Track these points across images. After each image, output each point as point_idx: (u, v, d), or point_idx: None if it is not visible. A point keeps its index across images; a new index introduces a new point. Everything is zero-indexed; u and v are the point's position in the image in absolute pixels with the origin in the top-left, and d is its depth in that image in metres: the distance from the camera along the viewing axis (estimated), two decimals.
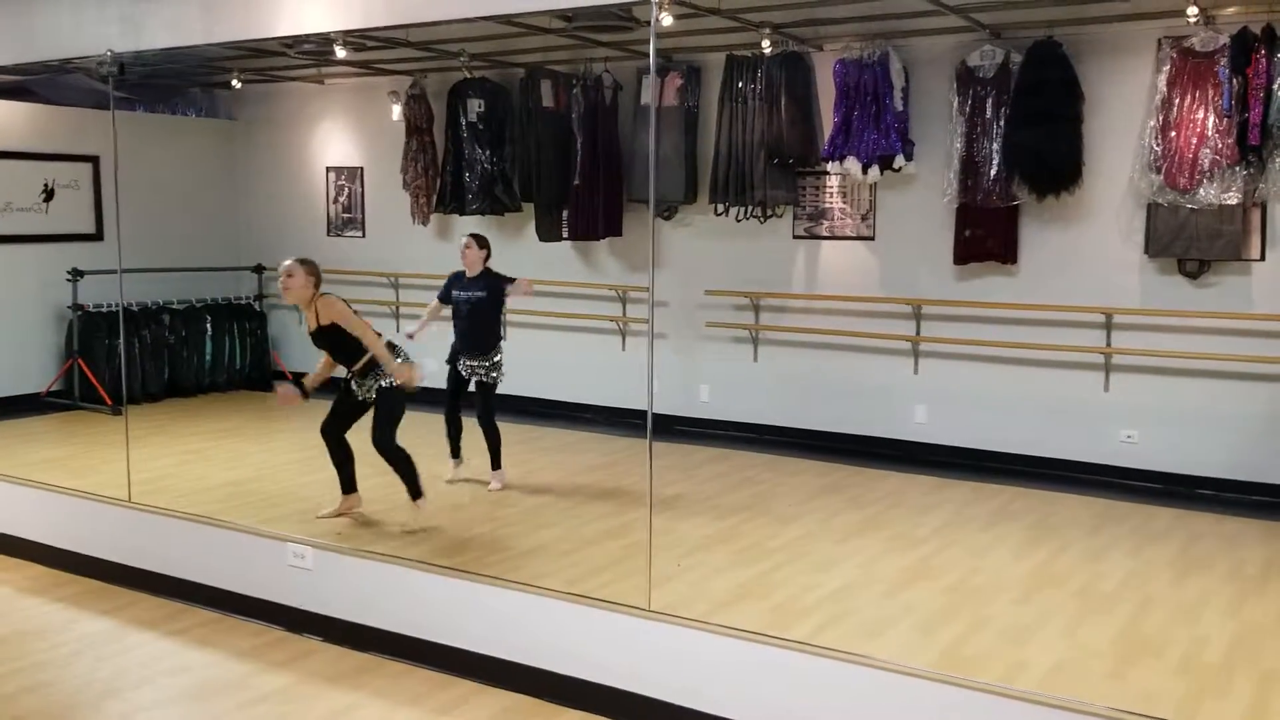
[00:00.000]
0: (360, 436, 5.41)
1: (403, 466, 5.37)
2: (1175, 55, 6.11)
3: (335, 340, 5.28)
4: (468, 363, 6.20)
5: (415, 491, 5.38)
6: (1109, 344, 6.55)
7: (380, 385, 5.31)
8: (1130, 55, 6.33)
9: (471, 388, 6.23)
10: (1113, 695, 3.59)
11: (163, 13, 5.36)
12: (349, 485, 5.55)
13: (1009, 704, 3.35)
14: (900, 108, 6.81)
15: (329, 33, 5.30)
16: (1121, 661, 3.94)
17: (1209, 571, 4.93)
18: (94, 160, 8.87)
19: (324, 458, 5.55)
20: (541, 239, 8.14)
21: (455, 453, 6.29)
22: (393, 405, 5.34)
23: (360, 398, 5.40)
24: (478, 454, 6.24)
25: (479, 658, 4.26)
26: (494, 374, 6.21)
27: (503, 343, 6.28)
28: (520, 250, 8.45)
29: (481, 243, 6.29)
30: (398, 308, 9.11)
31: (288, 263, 5.21)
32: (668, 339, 7.79)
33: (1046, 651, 3.99)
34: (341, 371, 5.43)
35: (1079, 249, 6.61)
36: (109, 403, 8.39)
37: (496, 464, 6.22)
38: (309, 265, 5.25)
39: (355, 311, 5.29)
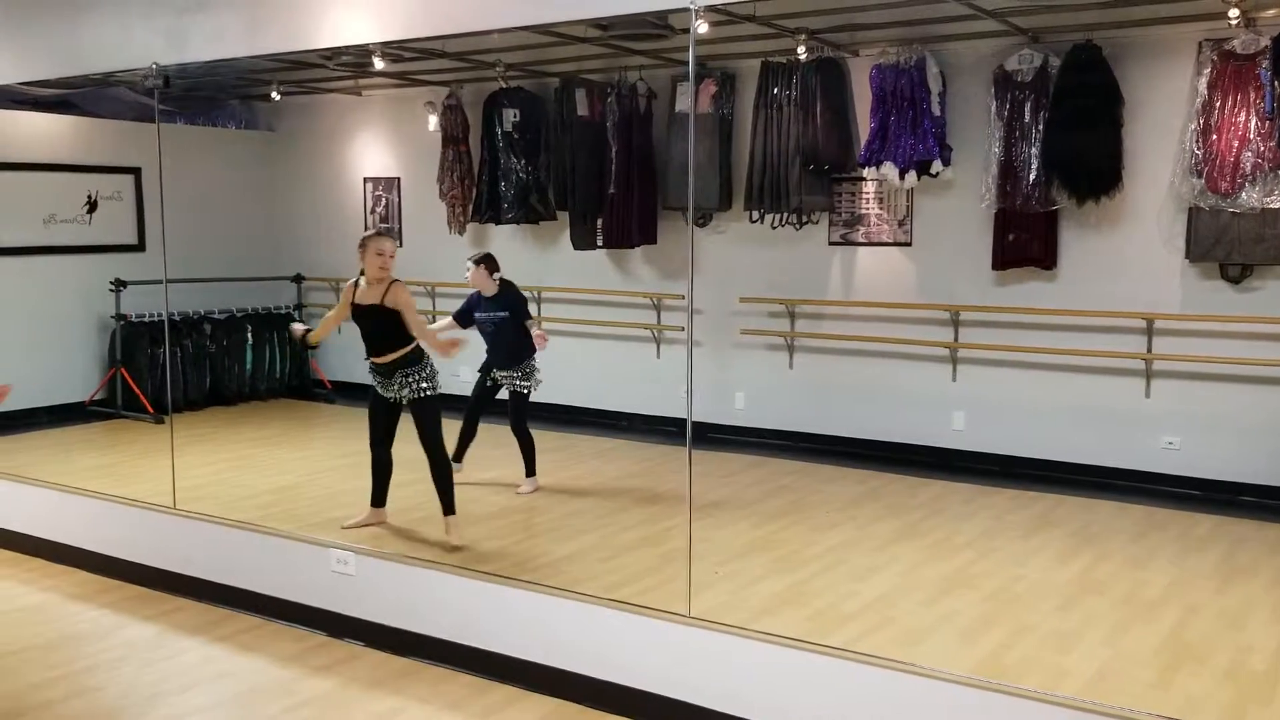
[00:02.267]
0: (402, 446, 5.44)
1: (447, 477, 5.35)
2: (1216, 58, 6.05)
3: (383, 324, 5.21)
4: (499, 373, 6.22)
5: (449, 507, 5.33)
6: (1150, 349, 6.49)
7: (417, 396, 5.28)
8: (1170, 58, 6.27)
9: (502, 394, 6.23)
10: (1157, 703, 3.56)
11: (206, 26, 5.44)
12: (380, 499, 5.57)
13: (1052, 710, 3.32)
14: (937, 113, 6.78)
15: (368, 44, 5.35)
16: (1165, 669, 3.90)
17: (1253, 579, 4.87)
18: (136, 172, 9.00)
19: (364, 465, 5.60)
20: (576, 247, 8.17)
21: (458, 457, 6.27)
22: (435, 411, 5.33)
23: (391, 399, 5.36)
24: (511, 461, 6.28)
25: (519, 663, 4.28)
26: (527, 382, 6.23)
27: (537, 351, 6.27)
28: (555, 258, 8.50)
29: (487, 263, 6.25)
30: (434, 316, 9.15)
31: (379, 237, 5.22)
32: (703, 346, 7.79)
33: (1089, 659, 3.96)
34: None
35: (1119, 254, 6.56)
36: (151, 411, 8.51)
37: (530, 471, 6.26)
38: (394, 245, 5.28)
39: None
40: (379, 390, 5.39)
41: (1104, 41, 6.31)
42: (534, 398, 6.31)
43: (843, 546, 5.32)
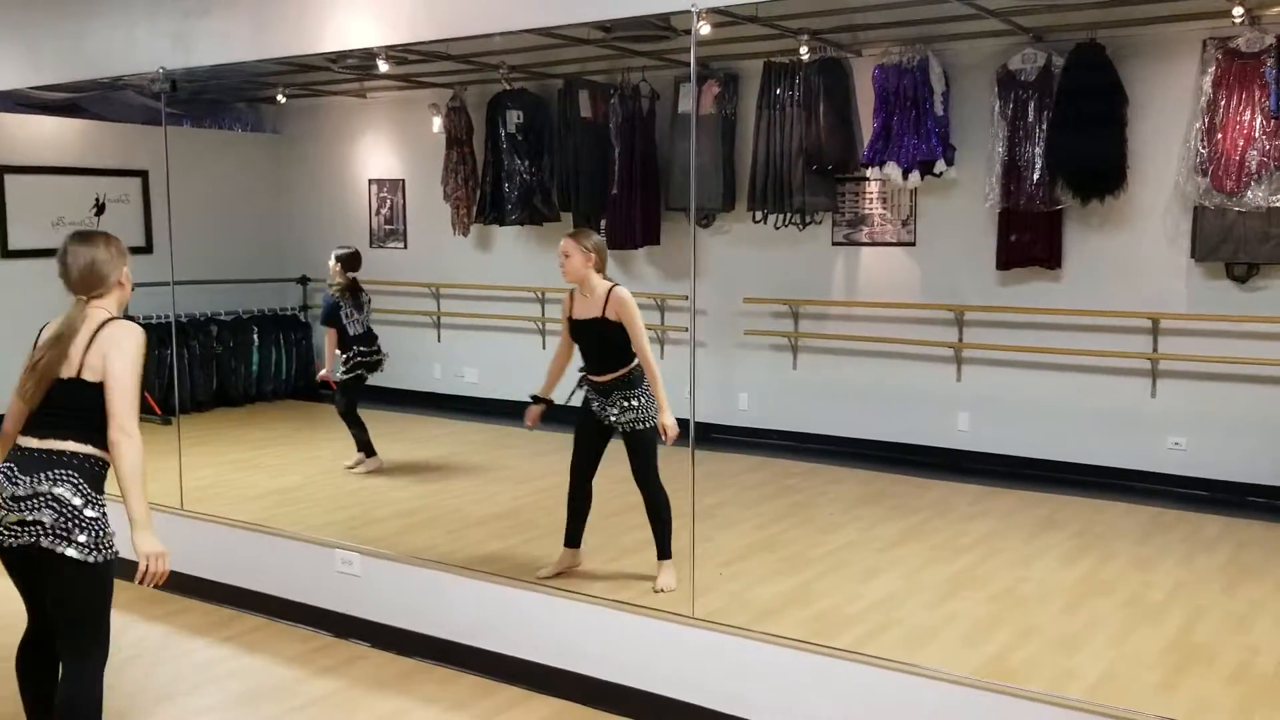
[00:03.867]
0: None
1: (664, 515, 4.71)
2: (1220, 56, 6.04)
3: (606, 338, 4.67)
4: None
5: (665, 550, 4.72)
6: (1155, 349, 6.48)
7: (635, 427, 4.68)
8: (1174, 57, 6.27)
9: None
10: (1164, 705, 3.56)
11: (213, 29, 5.45)
12: (574, 539, 4.89)
13: (1058, 712, 3.32)
14: (941, 112, 6.78)
15: (373, 47, 5.36)
16: (1172, 671, 3.90)
17: (1260, 580, 4.86)
18: (143, 175, 9.02)
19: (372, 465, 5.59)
20: None
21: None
22: (651, 440, 4.72)
23: (605, 422, 4.75)
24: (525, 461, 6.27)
25: (524, 663, 4.29)
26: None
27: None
28: (558, 260, 8.49)
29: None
30: (439, 318, 9.19)
31: (564, 240, 4.72)
32: (706, 347, 7.79)
33: (1095, 661, 3.96)
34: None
35: (1124, 253, 6.55)
36: (158, 412, 8.51)
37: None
38: (588, 242, 4.72)
39: None
40: (593, 408, 4.78)
41: (1108, 40, 6.31)
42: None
43: (847, 548, 5.32)
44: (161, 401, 8.60)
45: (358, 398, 6.89)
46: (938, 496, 6.32)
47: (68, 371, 3.14)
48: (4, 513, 3.04)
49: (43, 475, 3.05)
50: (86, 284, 3.26)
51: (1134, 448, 6.56)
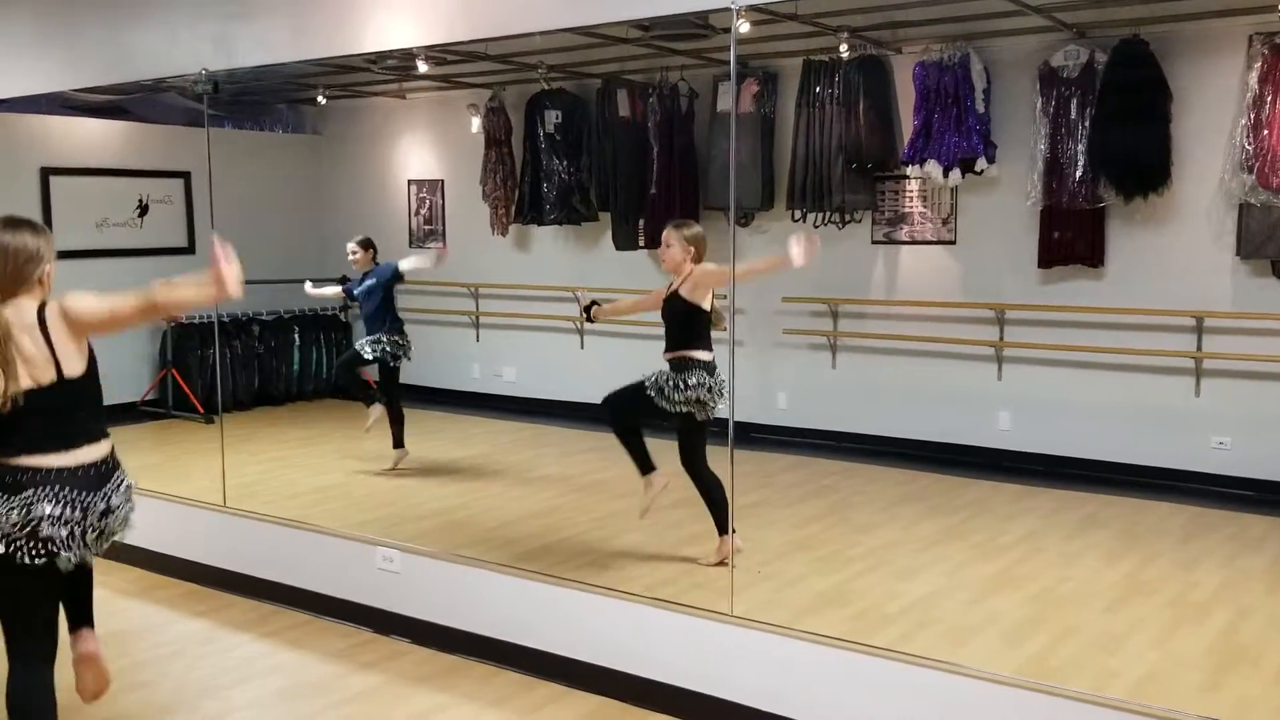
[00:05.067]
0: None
1: (715, 494, 4.82)
2: (1266, 51, 5.95)
3: (676, 314, 4.88)
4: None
5: (724, 527, 4.79)
6: (1200, 348, 6.39)
7: (685, 409, 4.81)
8: (1220, 53, 6.18)
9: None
10: (1207, 706, 3.51)
11: (254, 31, 5.52)
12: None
13: (1100, 712, 3.29)
14: (982, 110, 6.73)
15: (412, 48, 5.40)
16: (1216, 672, 3.85)
17: None
18: (186, 176, 9.14)
19: (410, 463, 5.62)
20: (618, 248, 8.19)
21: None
22: (702, 425, 4.87)
23: (663, 397, 4.83)
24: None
25: (564, 660, 4.30)
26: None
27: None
28: (597, 259, 8.53)
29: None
30: (478, 317, 9.24)
31: (666, 231, 4.94)
32: (745, 346, 7.78)
33: (1137, 661, 3.92)
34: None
35: (1168, 251, 6.47)
36: (201, 411, 8.64)
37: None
38: (688, 233, 4.89)
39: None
40: (662, 383, 4.89)
41: (1151, 36, 6.23)
42: (585, 398, 6.23)
43: (886, 547, 5.30)
44: (204, 401, 8.73)
45: (391, 388, 6.89)
46: (978, 496, 6.27)
47: (40, 374, 2.95)
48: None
49: None
50: (15, 279, 2.99)
51: (1178, 447, 6.48)
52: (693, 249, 4.89)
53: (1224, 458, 6.36)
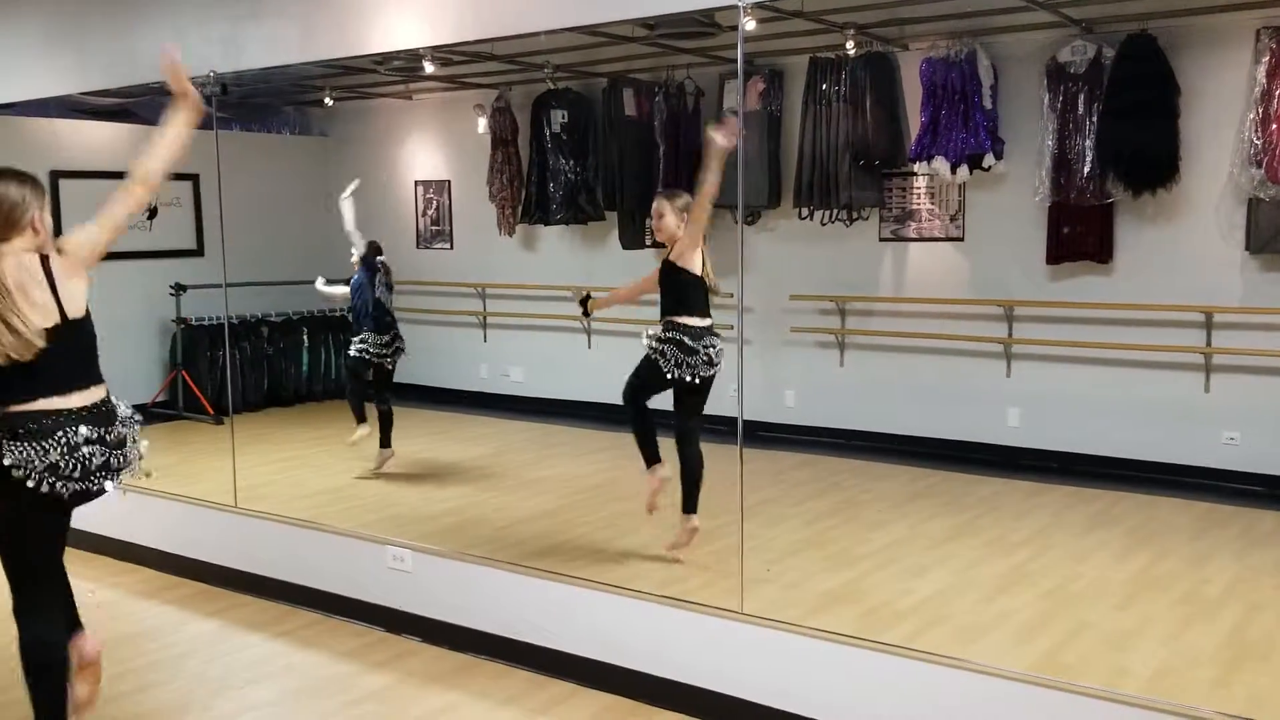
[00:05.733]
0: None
1: (697, 470, 4.93)
2: (1275, 46, 5.93)
3: (672, 281, 4.95)
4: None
5: (691, 505, 4.93)
6: (1209, 344, 6.38)
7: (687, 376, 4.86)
8: (1228, 47, 6.17)
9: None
10: (1219, 701, 3.51)
11: (262, 33, 5.54)
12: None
13: (1112, 708, 3.29)
14: (989, 106, 6.73)
15: (418, 48, 5.41)
16: (1228, 667, 3.84)
17: None
18: (194, 178, 9.16)
19: (418, 461, 5.63)
20: (625, 247, 8.20)
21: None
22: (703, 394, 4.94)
23: (665, 359, 4.88)
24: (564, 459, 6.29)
25: (575, 659, 4.31)
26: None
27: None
28: (604, 258, 8.54)
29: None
30: (485, 318, 9.25)
31: (656, 201, 5.02)
32: (753, 344, 7.78)
33: (1149, 658, 3.91)
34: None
35: (1177, 246, 6.46)
36: (211, 412, 8.67)
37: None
38: (680, 202, 4.97)
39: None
40: (652, 346, 4.95)
41: (1159, 31, 6.22)
42: (592, 398, 6.25)
43: (896, 544, 5.29)
44: (214, 402, 8.75)
45: (383, 388, 6.83)
46: (988, 493, 6.27)
47: (47, 320, 3.16)
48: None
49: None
50: (6, 225, 3.20)
51: (1188, 443, 6.47)
52: (686, 216, 4.97)
53: (1234, 453, 6.34)
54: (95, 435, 3.22)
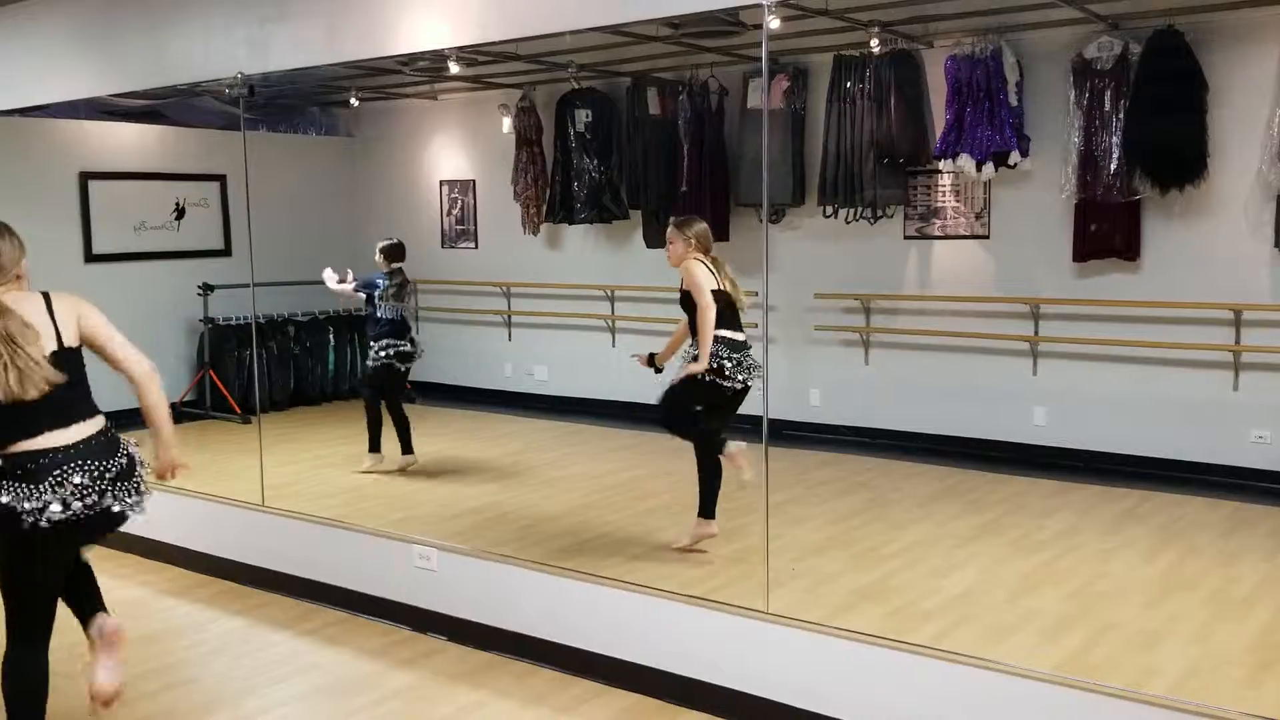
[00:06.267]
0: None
1: (719, 476, 5.04)
2: None
3: (690, 307, 4.98)
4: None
5: (708, 509, 5.02)
6: (1238, 341, 6.32)
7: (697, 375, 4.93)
8: (1255, 42, 6.11)
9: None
10: (1249, 702, 3.48)
11: (288, 34, 5.57)
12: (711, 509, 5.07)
13: (1139, 709, 3.27)
14: (1015, 103, 6.69)
15: (444, 48, 5.44)
16: (1258, 668, 3.81)
17: None
18: (221, 179, 9.24)
19: (448, 461, 5.66)
20: (649, 246, 8.20)
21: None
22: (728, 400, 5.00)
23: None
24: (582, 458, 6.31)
25: (600, 658, 4.32)
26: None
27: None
28: (628, 257, 8.55)
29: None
30: (509, 316, 9.28)
31: (669, 229, 5.15)
32: (777, 343, 7.77)
33: (1177, 658, 3.89)
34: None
35: (1205, 243, 6.40)
36: (238, 411, 8.73)
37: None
38: (690, 230, 5.06)
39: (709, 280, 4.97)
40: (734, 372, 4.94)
41: (1186, 27, 6.17)
42: (612, 396, 6.28)
43: (922, 543, 5.28)
44: (241, 401, 8.82)
45: (394, 394, 6.88)
46: (1014, 491, 6.23)
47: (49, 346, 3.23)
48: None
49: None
50: None
51: (1216, 442, 6.42)
52: (694, 242, 5.05)
53: (1263, 452, 6.28)
54: (91, 476, 3.22)
